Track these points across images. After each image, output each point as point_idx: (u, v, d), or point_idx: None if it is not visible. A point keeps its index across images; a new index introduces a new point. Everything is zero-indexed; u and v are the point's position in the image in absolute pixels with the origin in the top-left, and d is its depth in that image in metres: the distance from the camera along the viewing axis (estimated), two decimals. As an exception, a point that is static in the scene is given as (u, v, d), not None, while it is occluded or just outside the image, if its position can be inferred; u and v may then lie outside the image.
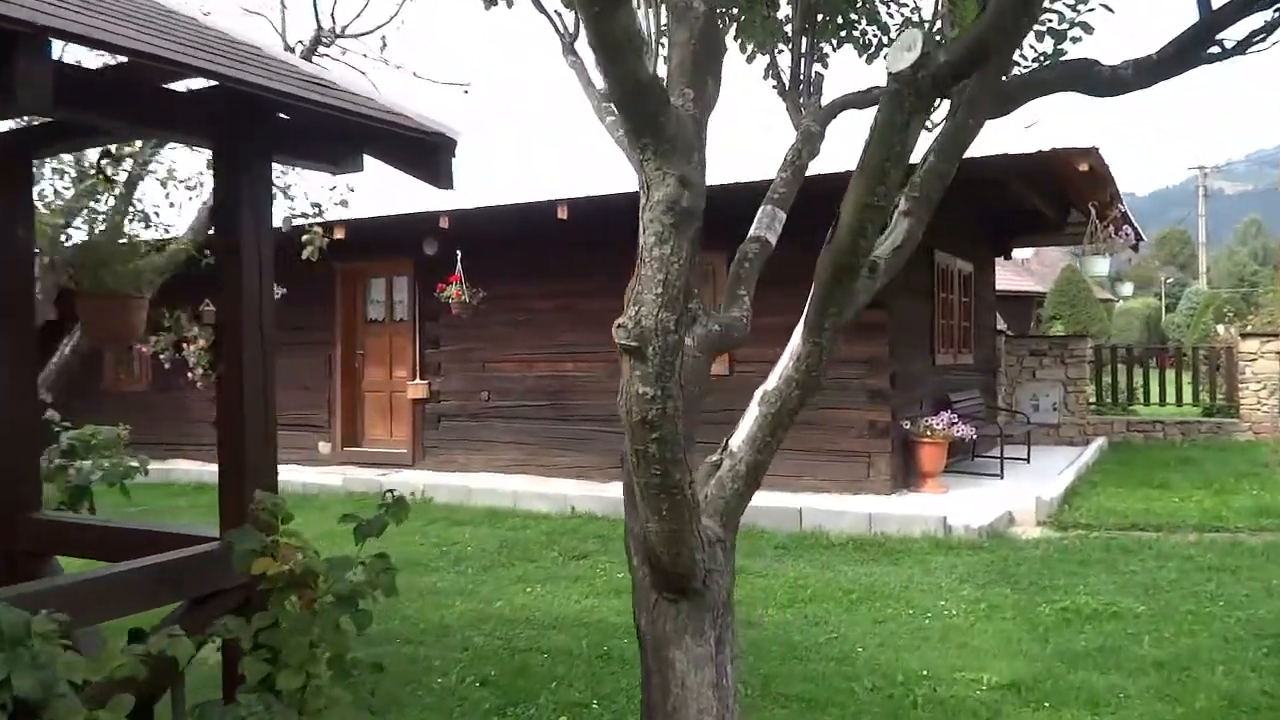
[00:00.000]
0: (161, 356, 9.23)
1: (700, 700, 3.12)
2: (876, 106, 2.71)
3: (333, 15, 7.74)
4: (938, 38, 4.13)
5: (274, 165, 6.82)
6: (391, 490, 3.16)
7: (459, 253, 11.59)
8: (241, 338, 3.18)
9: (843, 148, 4.34)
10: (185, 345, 8.46)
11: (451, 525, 9.54)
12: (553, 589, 7.08)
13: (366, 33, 7.90)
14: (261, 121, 3.21)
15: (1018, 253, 22.88)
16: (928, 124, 4.13)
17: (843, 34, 4.87)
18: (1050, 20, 4.29)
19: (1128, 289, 21.51)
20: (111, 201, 6.18)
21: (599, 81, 3.80)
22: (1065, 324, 27.99)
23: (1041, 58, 4.38)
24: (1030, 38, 4.27)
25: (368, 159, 3.60)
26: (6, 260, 3.69)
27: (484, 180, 10.96)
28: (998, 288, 17.07)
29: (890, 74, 2.56)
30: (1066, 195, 11.77)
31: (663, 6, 3.51)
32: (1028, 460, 12.20)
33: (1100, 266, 12.19)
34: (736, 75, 4.74)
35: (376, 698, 3.09)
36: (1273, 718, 4.59)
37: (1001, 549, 8.06)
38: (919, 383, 11.19)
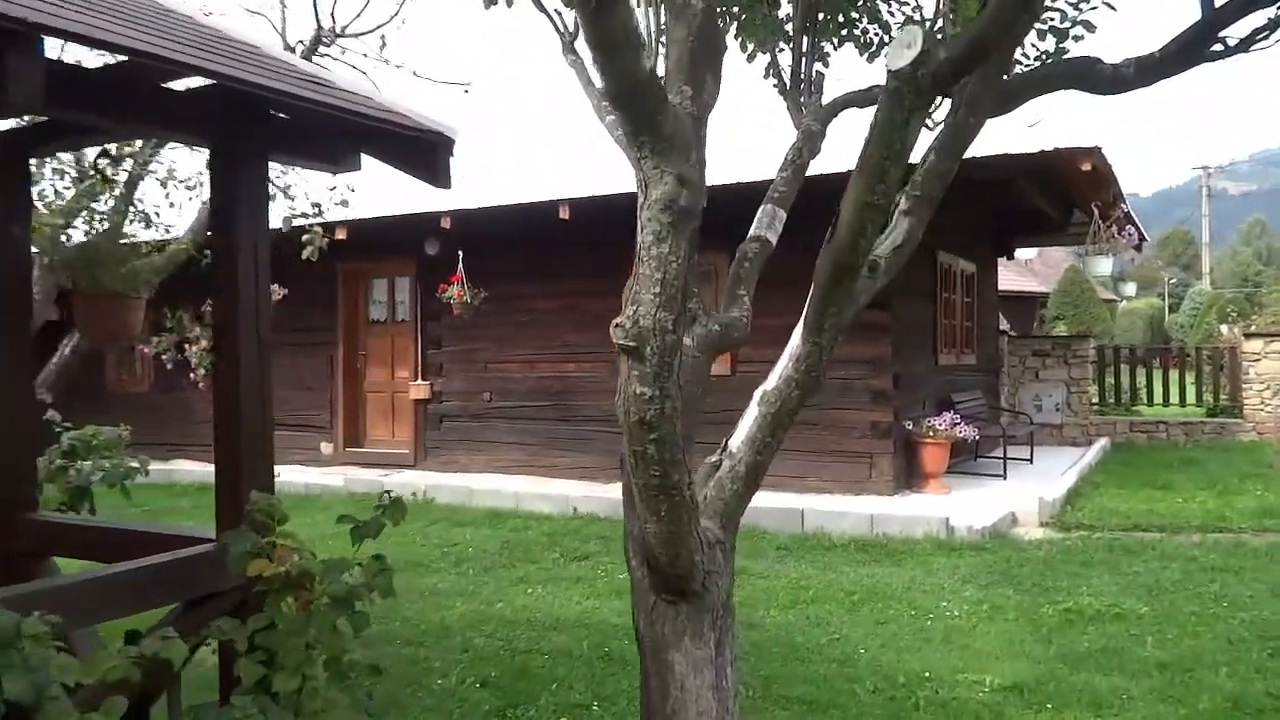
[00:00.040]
0: (164, 357, 9.25)
1: (700, 703, 3.10)
2: (877, 105, 2.70)
3: (333, 15, 7.74)
4: (939, 36, 4.11)
5: (274, 165, 6.83)
6: (389, 491, 3.14)
7: (461, 253, 11.58)
8: (238, 338, 3.16)
9: (844, 147, 4.31)
10: (187, 346, 8.46)
11: (453, 526, 9.53)
12: (554, 590, 7.06)
13: (367, 32, 7.90)
14: (258, 120, 3.20)
15: (1021, 253, 22.86)
16: (928, 122, 4.12)
17: (844, 32, 4.85)
18: (1052, 19, 4.27)
19: (1131, 289, 21.41)
20: (111, 202, 6.18)
21: (598, 80, 3.78)
22: (1068, 324, 27.96)
23: (1043, 56, 4.36)
24: (1032, 36, 4.25)
25: (366, 159, 3.59)
26: (4, 260, 3.67)
27: (485, 180, 10.96)
28: (1001, 288, 17.03)
29: (890, 71, 2.54)
30: (1069, 195, 11.74)
31: (661, 5, 3.49)
32: (1030, 461, 12.17)
33: (1103, 266, 12.15)
34: (737, 74, 4.72)
35: (375, 700, 3.07)
36: (1277, 719, 4.57)
37: (1004, 550, 8.03)
38: (921, 383, 11.16)
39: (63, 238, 5.60)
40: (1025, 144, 9.23)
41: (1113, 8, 4.23)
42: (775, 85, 4.74)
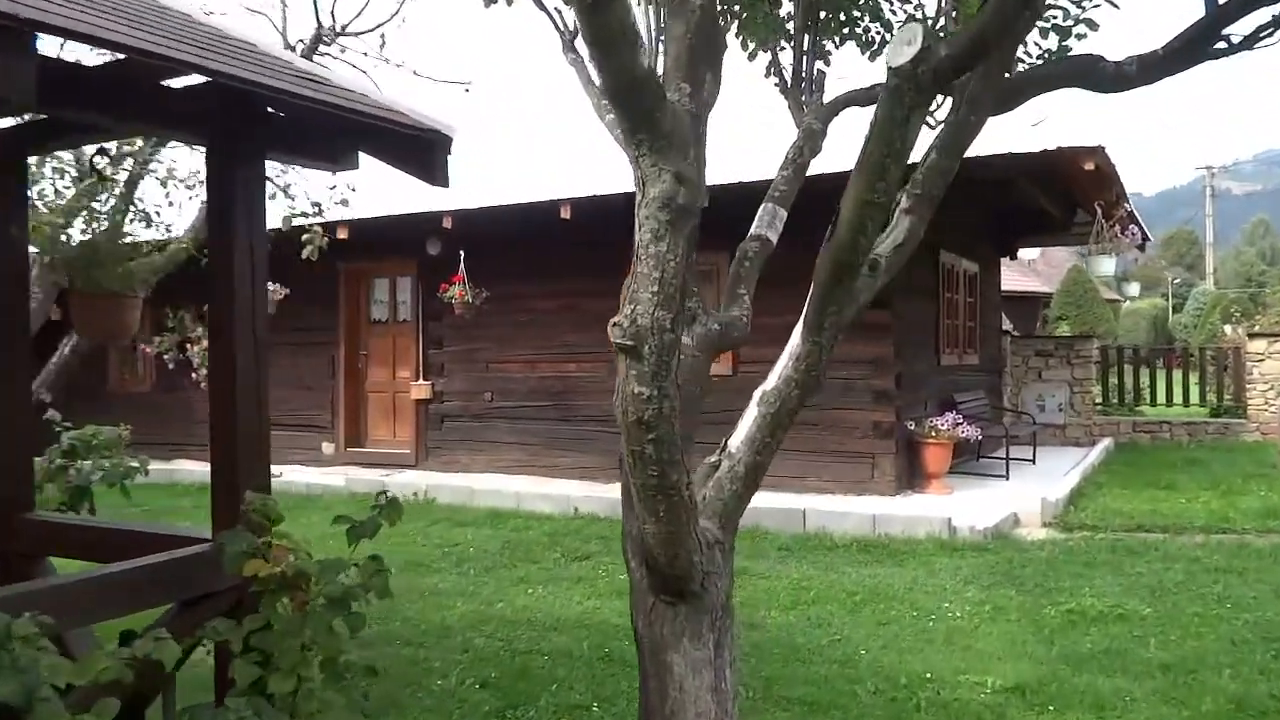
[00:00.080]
0: (166, 357, 9.25)
1: (699, 704, 3.09)
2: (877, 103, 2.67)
3: (333, 13, 7.72)
4: (941, 34, 4.09)
5: (273, 164, 6.82)
6: (385, 491, 3.12)
7: (462, 252, 11.57)
8: (234, 338, 3.14)
9: (845, 145, 4.30)
10: (189, 345, 8.45)
11: (454, 526, 9.51)
12: (554, 590, 7.04)
13: (367, 31, 7.88)
14: (255, 118, 3.18)
15: (1024, 253, 22.82)
16: (930, 121, 4.10)
17: (845, 31, 4.83)
18: (1055, 17, 4.25)
19: (1134, 289, 21.33)
20: (111, 201, 6.16)
21: (597, 78, 3.76)
22: (1071, 324, 27.91)
23: (1046, 54, 4.34)
24: (1035, 34, 4.23)
25: (365, 158, 3.57)
26: (1, 260, 3.66)
27: (486, 179, 10.94)
28: (1004, 288, 17.00)
29: (890, 68, 2.52)
30: (1072, 194, 11.70)
31: (660, 2, 3.47)
32: (1033, 461, 12.14)
33: (1106, 266, 12.11)
34: (738, 72, 4.71)
35: (372, 700, 3.05)
36: (1280, 722, 4.54)
37: (1006, 550, 8.00)
38: (924, 383, 11.14)
39: (63, 237, 5.60)
40: (1028, 143, 9.20)
41: (1116, 5, 4.21)
42: (776, 84, 4.72)
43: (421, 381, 12.56)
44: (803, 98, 4.38)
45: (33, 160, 5.95)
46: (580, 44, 4.21)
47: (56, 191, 5.94)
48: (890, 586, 6.93)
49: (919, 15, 4.71)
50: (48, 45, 5.02)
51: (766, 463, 3.26)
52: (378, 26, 7.92)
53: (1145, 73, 3.41)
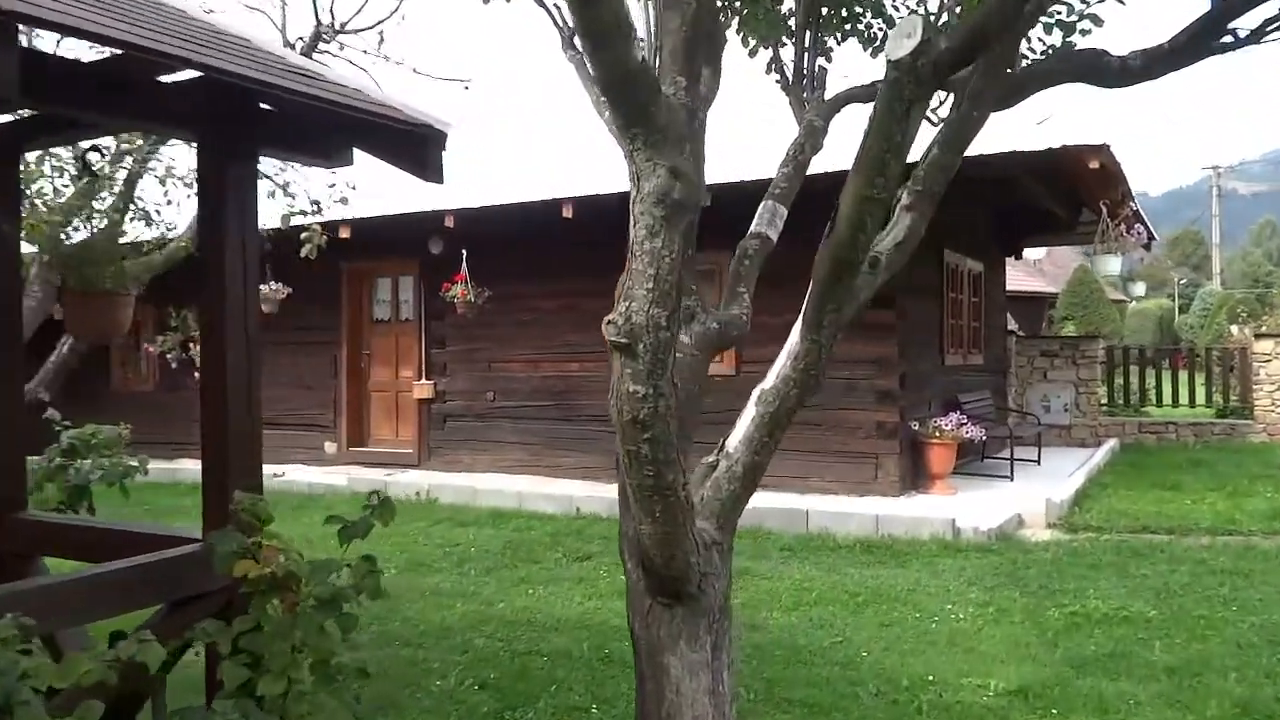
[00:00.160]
0: (169, 356, 9.24)
1: (696, 707, 3.05)
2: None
3: (331, 11, 7.69)
4: (942, 28, 4.05)
5: (273, 162, 6.79)
6: (377, 492, 3.08)
7: (464, 252, 11.53)
8: (225, 336, 3.10)
9: (848, 143, 4.26)
10: (192, 345, 8.43)
11: (456, 526, 9.48)
12: (555, 590, 7.01)
13: (366, 28, 7.85)
14: (247, 114, 3.14)
15: (1030, 253, 22.71)
16: (932, 118, 4.06)
17: (847, 27, 4.79)
18: (1059, 12, 4.20)
19: (1140, 289, 21.32)
20: (110, 200, 6.14)
21: (593, 72, 3.72)
22: (1077, 325, 27.83)
23: (1050, 51, 4.29)
24: (1038, 30, 4.19)
25: (360, 155, 3.53)
26: (-6, 257, 3.63)
27: (488, 179, 10.91)
28: (1009, 288, 16.93)
29: (890, 61, 2.48)
30: (1078, 193, 11.65)
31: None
32: (1038, 462, 12.08)
33: (1112, 265, 12.05)
34: (739, 69, 4.67)
35: (366, 702, 3.02)
36: (1287, 726, 4.49)
37: (1010, 551, 7.96)
38: (928, 383, 11.08)
39: (62, 236, 5.58)
40: (1033, 141, 9.16)
41: (1121, 1, 4.15)
42: (778, 81, 4.68)
43: (424, 381, 12.54)
44: (804, 95, 4.34)
45: (32, 158, 5.94)
46: (580, 41, 4.17)
47: (55, 190, 5.92)
48: (893, 588, 6.88)
49: (921, 11, 4.67)
50: (44, 43, 5.01)
51: (765, 463, 3.22)
52: (377, 24, 7.90)
53: (1150, 67, 3.37)
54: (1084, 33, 4.20)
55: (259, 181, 4.98)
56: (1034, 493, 9.65)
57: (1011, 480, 10.91)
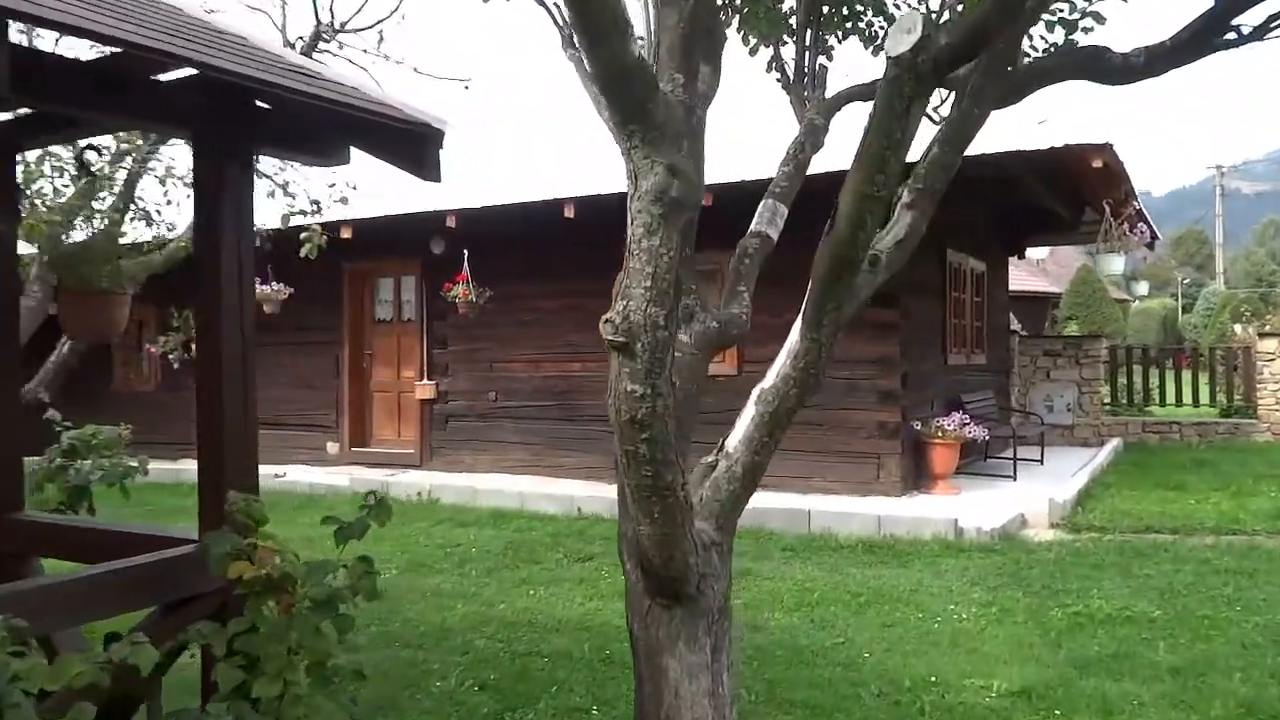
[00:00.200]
0: (171, 356, 9.23)
1: (695, 709, 3.03)
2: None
3: (331, 10, 7.68)
4: (944, 26, 4.02)
5: (273, 162, 6.76)
6: (374, 492, 3.06)
7: (466, 252, 11.52)
8: (221, 336, 3.08)
9: (848, 142, 4.24)
10: (194, 345, 8.39)
11: (457, 526, 9.46)
12: (556, 591, 6.99)
13: (366, 28, 7.84)
14: (243, 112, 3.12)
15: (1033, 253, 22.68)
16: (934, 116, 4.04)
17: (848, 25, 4.76)
18: (1061, 9, 4.18)
19: (1143, 288, 21.25)
20: (109, 199, 6.13)
21: (589, 69, 3.70)
22: (1080, 324, 27.77)
23: (1052, 49, 4.27)
24: (1040, 28, 4.16)
25: (359, 155, 3.51)
26: (-11, 256, 3.61)
27: (487, 177, 10.89)
28: (1012, 288, 16.90)
29: (890, 57, 2.46)
30: (1080, 193, 11.61)
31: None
32: (1041, 462, 12.04)
33: (1115, 265, 12.00)
34: (740, 68, 4.65)
35: (362, 704, 3.00)
36: (1292, 727, 4.46)
37: (1013, 552, 7.92)
38: (930, 383, 11.05)
39: (63, 236, 5.57)
40: (1035, 140, 9.13)
41: (1124, -2, 4.13)
42: (778, 79, 4.66)
43: (426, 381, 12.52)
44: (805, 93, 4.32)
45: (33, 158, 5.93)
46: (577, 37, 4.15)
47: (56, 190, 5.92)
48: (895, 588, 6.85)
49: (922, 9, 4.64)
50: (44, 42, 4.99)
51: (765, 463, 3.20)
52: (377, 23, 7.89)
53: (1153, 64, 3.35)
54: (1086, 30, 4.17)
55: (258, 181, 4.98)
56: (1037, 493, 9.62)
57: (1014, 480, 10.88)
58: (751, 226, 3.66)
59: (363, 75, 7.47)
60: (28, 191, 5.56)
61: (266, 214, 7.34)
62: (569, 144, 11.71)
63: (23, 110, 3.65)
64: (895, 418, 10.02)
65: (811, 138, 3.95)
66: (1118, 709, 4.65)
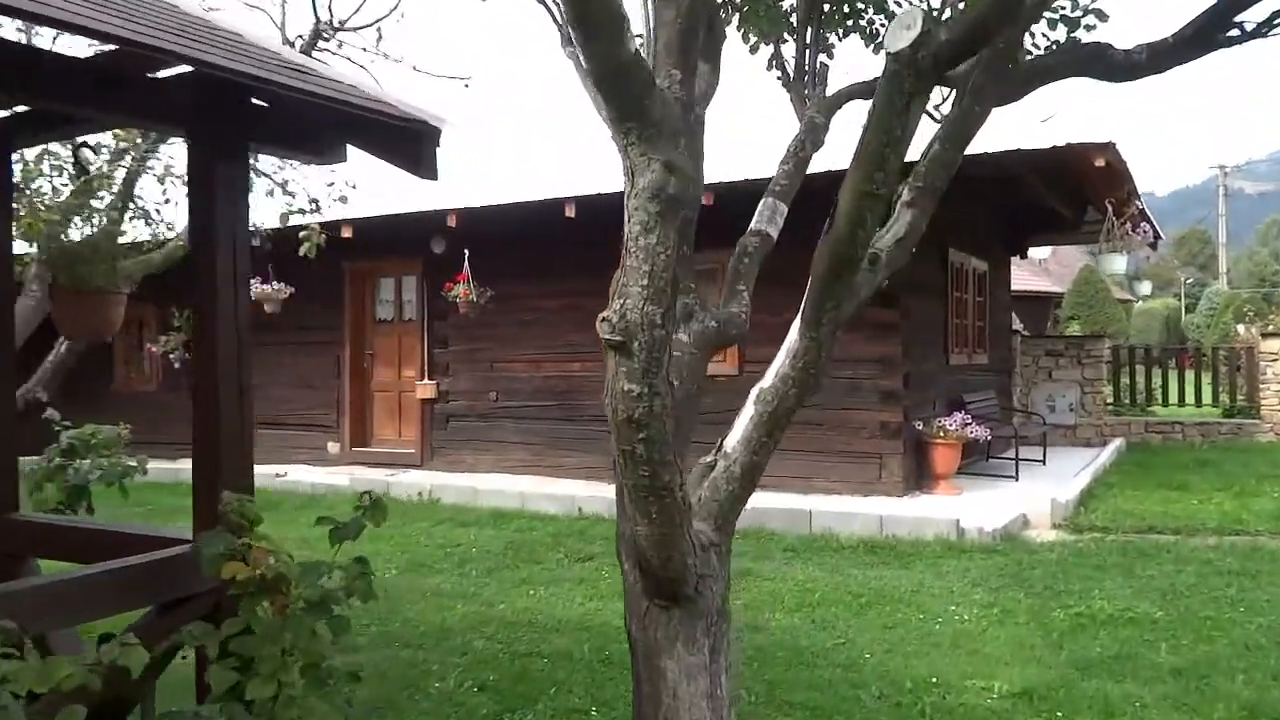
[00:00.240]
0: (172, 356, 9.21)
1: (693, 711, 3.00)
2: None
3: (330, 9, 7.65)
4: (944, 23, 3.99)
5: (272, 160, 6.73)
6: (369, 492, 3.04)
7: (466, 252, 11.50)
8: (216, 335, 3.06)
9: (848, 140, 4.21)
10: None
11: (457, 526, 9.44)
12: (556, 591, 6.97)
13: (366, 26, 7.81)
14: (238, 109, 3.10)
15: (1035, 252, 22.67)
16: (935, 114, 4.01)
17: (849, 23, 4.74)
18: (1063, 7, 4.16)
19: (1146, 288, 21.21)
20: (108, 199, 6.11)
21: (585, 65, 3.68)
22: (1083, 324, 27.74)
23: (1054, 46, 4.24)
24: (1043, 26, 4.14)
25: (359, 154, 3.49)
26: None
27: (487, 176, 10.87)
28: (1015, 288, 16.86)
29: (889, 54, 2.43)
30: (1083, 192, 11.58)
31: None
32: (1043, 462, 12.02)
33: (1118, 264, 11.97)
34: (740, 66, 4.62)
35: (357, 705, 2.98)
36: (1295, 729, 4.43)
37: (1015, 552, 7.90)
38: (932, 383, 11.02)
39: (63, 235, 5.55)
40: (1038, 139, 9.10)
41: (1125, -5, 4.11)
42: (779, 77, 4.64)
43: (427, 381, 12.51)
44: (805, 91, 4.30)
45: (31, 156, 5.91)
46: (573, 33, 4.13)
47: (54, 189, 5.89)
48: (896, 589, 6.83)
49: (923, 6, 4.62)
50: (43, 40, 4.96)
51: (764, 463, 3.18)
52: (376, 22, 7.86)
53: (1155, 60, 3.32)
54: (1088, 28, 4.15)
55: (257, 180, 4.96)
56: (1039, 493, 9.59)
57: (1016, 480, 10.85)
58: (751, 225, 3.64)
59: (362, 74, 7.45)
60: (27, 190, 5.53)
61: (265, 213, 7.32)
62: (569, 143, 11.72)
63: (19, 108, 3.63)
64: (897, 418, 9.99)
65: (812, 136, 3.93)
66: (1119, 711, 4.63)
